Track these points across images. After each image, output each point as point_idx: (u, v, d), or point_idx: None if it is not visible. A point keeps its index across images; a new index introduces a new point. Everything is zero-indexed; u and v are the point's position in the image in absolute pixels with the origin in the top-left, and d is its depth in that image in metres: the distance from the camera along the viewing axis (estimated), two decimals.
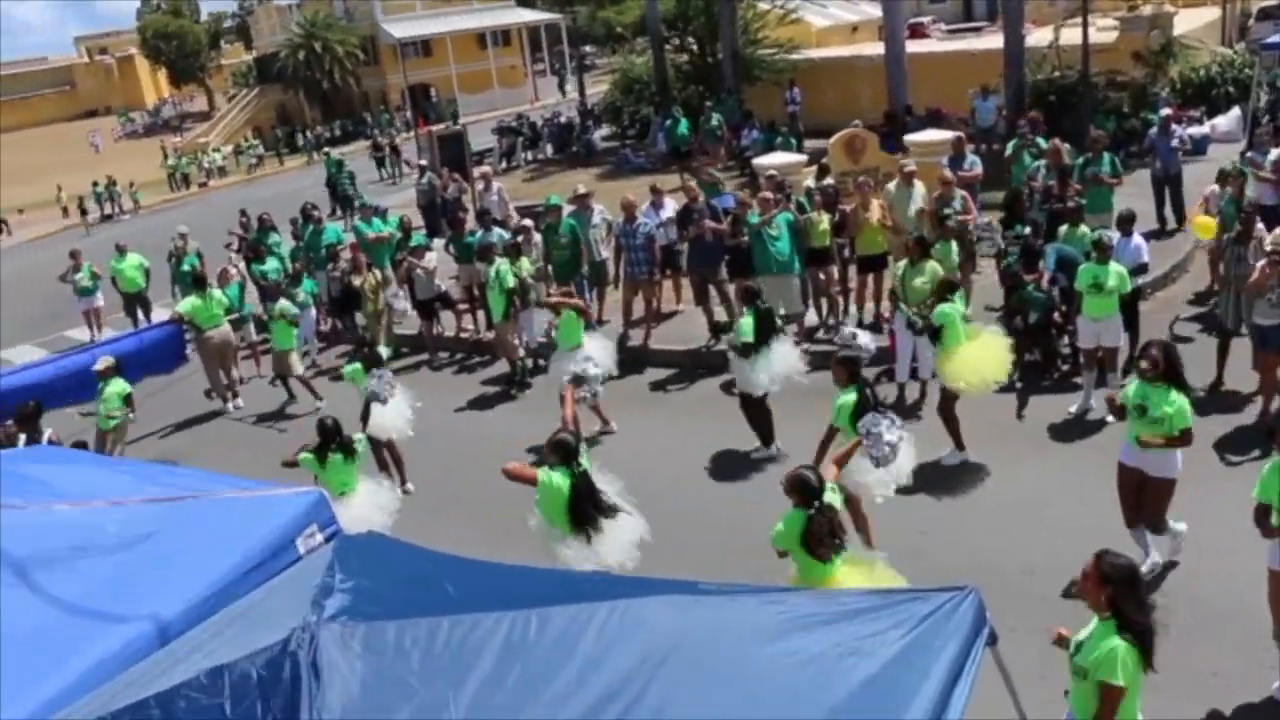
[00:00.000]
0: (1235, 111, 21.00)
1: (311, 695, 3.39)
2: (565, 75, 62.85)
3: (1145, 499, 7.52)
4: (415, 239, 16.24)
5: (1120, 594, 4.60)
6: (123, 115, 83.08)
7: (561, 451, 7.25)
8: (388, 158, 37.96)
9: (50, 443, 10.55)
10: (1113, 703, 4.53)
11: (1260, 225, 10.82)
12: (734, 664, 3.20)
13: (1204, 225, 12.30)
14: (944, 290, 9.76)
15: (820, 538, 6.09)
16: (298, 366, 14.33)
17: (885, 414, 7.37)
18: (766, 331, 10.23)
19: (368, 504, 8.88)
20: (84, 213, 38.14)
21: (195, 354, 14.52)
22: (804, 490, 6.20)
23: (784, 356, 10.32)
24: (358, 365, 10.97)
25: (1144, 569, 7.15)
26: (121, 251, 19.24)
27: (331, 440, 9.12)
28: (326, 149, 40.60)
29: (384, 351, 11.61)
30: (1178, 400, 7.18)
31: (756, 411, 10.49)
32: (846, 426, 7.94)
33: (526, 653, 3.26)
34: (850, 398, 8.01)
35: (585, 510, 7.12)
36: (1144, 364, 7.27)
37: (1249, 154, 14.91)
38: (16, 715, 3.82)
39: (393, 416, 10.58)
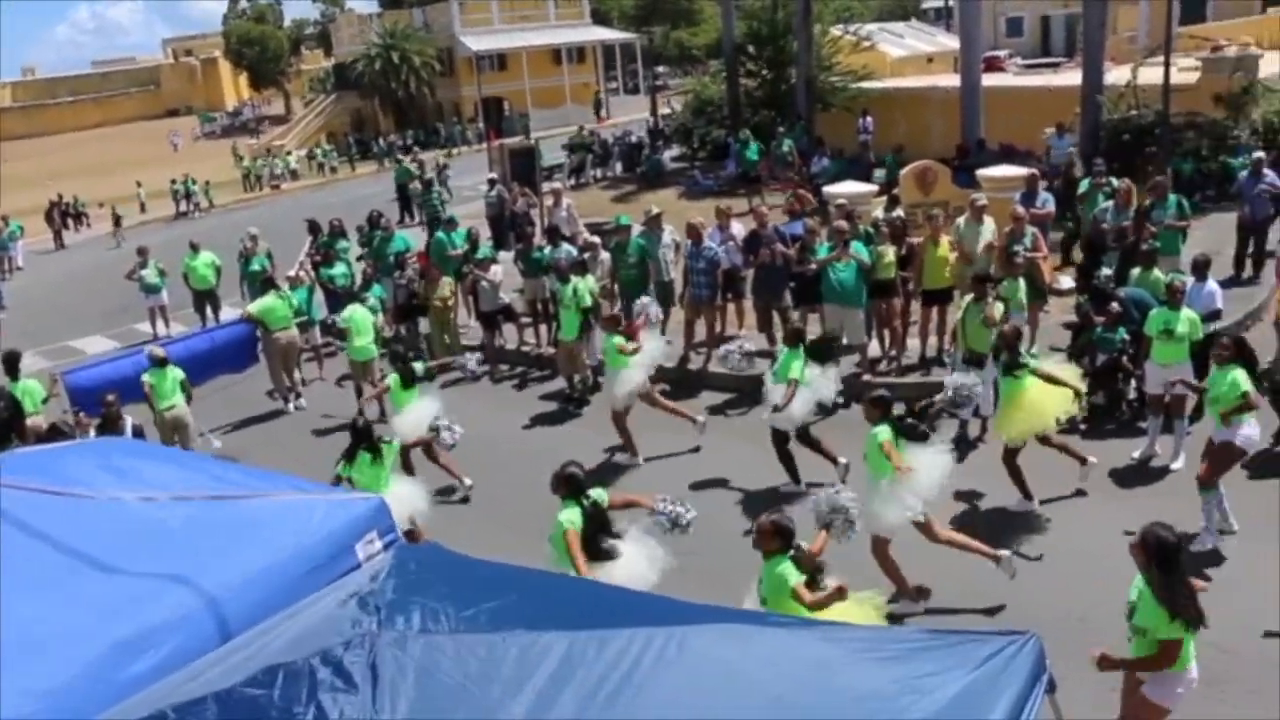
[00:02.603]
0: None
1: (367, 699, 3.42)
2: (604, 100, 62.26)
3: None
4: (482, 251, 16.35)
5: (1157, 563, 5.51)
6: (203, 116, 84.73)
7: (571, 484, 7.24)
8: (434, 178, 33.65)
9: (135, 433, 10.86)
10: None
11: None
12: (790, 696, 3.19)
13: None
14: (1012, 341, 9.57)
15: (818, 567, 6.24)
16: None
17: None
18: (822, 357, 10.27)
19: (397, 504, 8.86)
20: (117, 223, 36.65)
21: (261, 354, 14.79)
22: (787, 535, 6.21)
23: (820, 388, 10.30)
24: (396, 377, 11.20)
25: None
26: (195, 249, 19.56)
27: (362, 441, 9.25)
28: (399, 157, 40.81)
29: (419, 368, 11.61)
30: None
31: (783, 448, 10.39)
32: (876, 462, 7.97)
33: (585, 671, 3.28)
34: (884, 432, 7.98)
35: (599, 544, 7.08)
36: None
37: None
38: (90, 705, 3.91)
39: (413, 423, 10.73)
